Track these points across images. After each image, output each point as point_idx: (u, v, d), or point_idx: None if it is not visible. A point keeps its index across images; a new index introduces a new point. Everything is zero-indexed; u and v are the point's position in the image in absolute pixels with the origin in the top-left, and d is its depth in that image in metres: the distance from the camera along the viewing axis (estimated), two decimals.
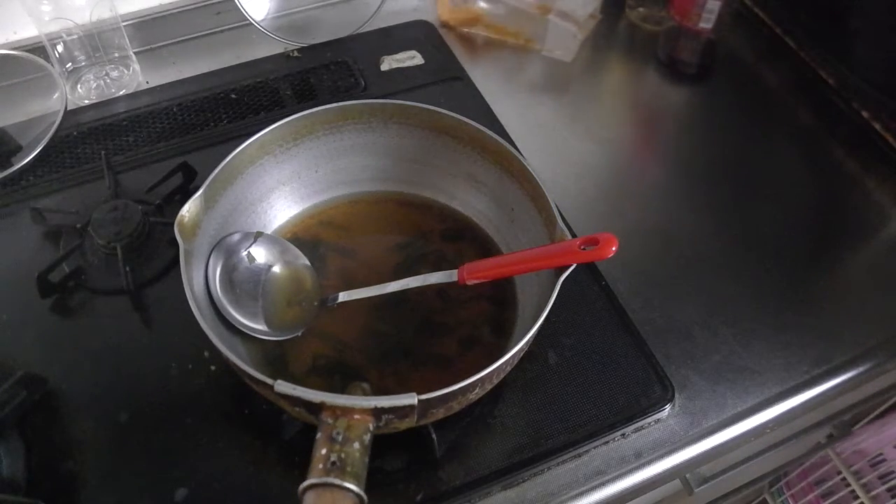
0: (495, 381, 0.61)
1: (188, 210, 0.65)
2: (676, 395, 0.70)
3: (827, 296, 0.79)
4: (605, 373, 0.70)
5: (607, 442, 0.67)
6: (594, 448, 0.67)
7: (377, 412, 0.53)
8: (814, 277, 0.80)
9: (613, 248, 0.60)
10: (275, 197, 0.75)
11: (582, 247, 0.61)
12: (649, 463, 0.67)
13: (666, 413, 0.69)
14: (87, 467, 0.64)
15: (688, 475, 0.84)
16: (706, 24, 0.99)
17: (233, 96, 0.93)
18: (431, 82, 0.96)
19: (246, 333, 0.67)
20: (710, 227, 0.84)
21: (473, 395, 0.60)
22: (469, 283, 0.66)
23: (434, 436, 0.63)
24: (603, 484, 0.66)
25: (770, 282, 0.79)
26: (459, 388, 0.55)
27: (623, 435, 0.68)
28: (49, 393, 0.68)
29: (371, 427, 0.53)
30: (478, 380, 0.55)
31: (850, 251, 0.83)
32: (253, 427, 0.66)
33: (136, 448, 0.65)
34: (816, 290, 0.79)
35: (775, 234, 0.83)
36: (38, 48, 0.91)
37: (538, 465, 0.65)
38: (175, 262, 0.64)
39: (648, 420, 0.68)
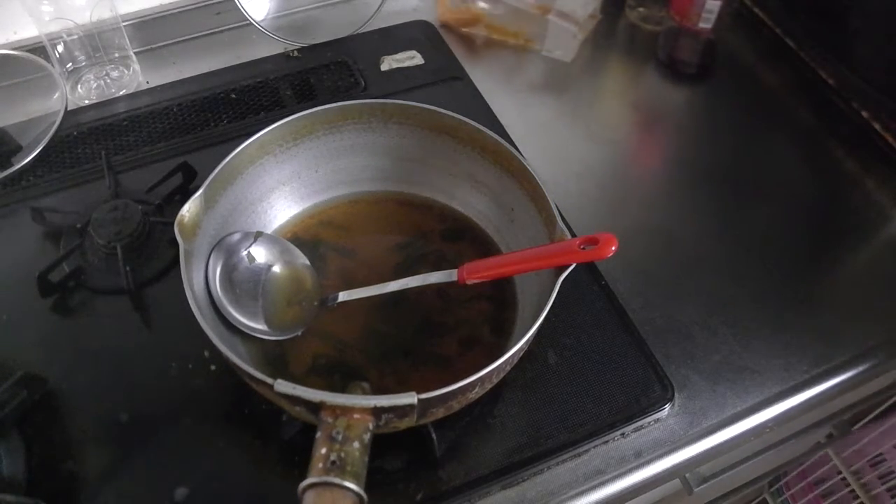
0: (495, 381, 0.61)
1: (188, 210, 0.65)
2: (676, 395, 0.70)
3: (827, 296, 0.79)
4: (604, 373, 0.70)
5: (607, 441, 0.67)
6: (594, 447, 0.67)
7: (377, 411, 0.53)
8: (814, 277, 0.80)
9: (613, 248, 0.60)
10: (275, 197, 0.75)
11: (581, 246, 0.61)
12: (649, 462, 0.67)
13: (665, 413, 0.69)
14: (87, 467, 0.64)
15: (687, 475, 0.84)
16: (706, 24, 0.99)
17: (233, 96, 0.93)
18: (431, 82, 0.96)
19: (246, 333, 0.67)
20: (711, 226, 0.84)
21: (473, 395, 0.60)
22: (469, 282, 0.66)
23: (434, 435, 0.63)
24: (603, 483, 0.66)
25: (770, 282, 0.79)
26: (459, 388, 0.55)
27: (623, 434, 0.68)
28: (49, 393, 0.68)
29: (371, 426, 0.53)
30: (477, 379, 0.55)
31: (850, 251, 0.83)
32: (253, 427, 0.66)
33: (136, 448, 0.65)
34: (816, 290, 0.79)
35: (775, 234, 0.83)
36: (38, 48, 0.91)
37: (538, 464, 0.65)
38: (175, 261, 0.64)
39: (648, 420, 0.68)
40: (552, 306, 0.59)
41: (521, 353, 0.61)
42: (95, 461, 0.64)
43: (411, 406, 0.53)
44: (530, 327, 0.59)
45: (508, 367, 0.62)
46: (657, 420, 0.69)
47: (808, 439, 1.11)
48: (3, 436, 0.63)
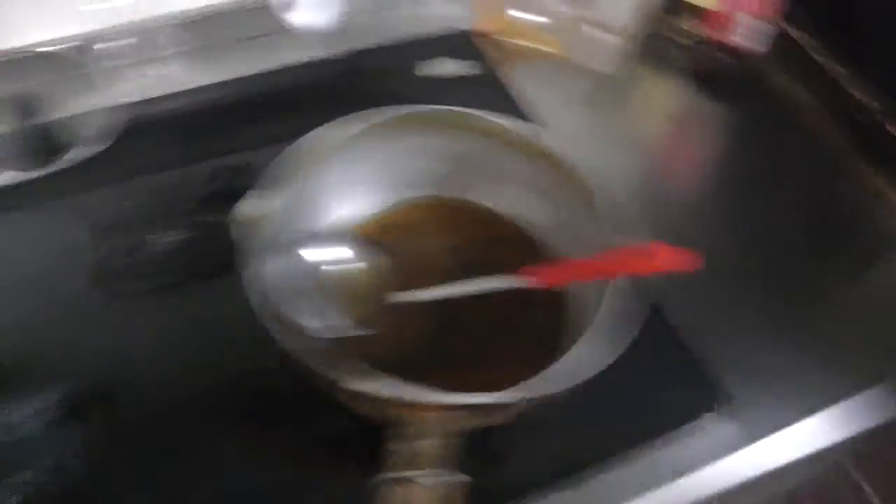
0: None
1: (245, 207, 0.64)
2: (725, 407, 0.69)
3: (880, 311, 0.80)
4: (646, 381, 0.69)
5: (646, 453, 0.67)
6: (635, 458, 0.66)
7: (465, 409, 0.54)
8: (865, 292, 0.81)
9: (690, 261, 0.60)
10: (332, 197, 0.75)
11: (653, 257, 0.61)
12: (688, 479, 0.67)
13: (710, 425, 0.69)
14: (128, 464, 0.64)
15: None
16: (742, 40, 1.01)
17: (277, 99, 0.93)
18: (470, 90, 0.97)
19: (306, 331, 0.67)
20: (752, 238, 0.85)
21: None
22: (538, 287, 0.65)
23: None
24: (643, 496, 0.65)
25: (820, 296, 0.81)
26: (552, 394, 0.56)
27: (662, 447, 0.67)
28: (95, 390, 0.67)
29: (447, 425, 0.54)
30: (566, 389, 0.56)
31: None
32: (309, 427, 0.66)
33: (183, 449, 0.65)
34: (869, 306, 0.80)
35: (818, 249, 0.85)
36: (80, 46, 0.91)
37: (577, 474, 0.65)
38: (231, 259, 0.64)
39: (691, 431, 0.68)
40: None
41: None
42: (141, 458, 0.64)
43: (505, 406, 0.54)
44: (602, 341, 0.59)
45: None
46: (701, 430, 0.68)
47: (828, 459, 1.11)
48: (44, 431, 0.63)
